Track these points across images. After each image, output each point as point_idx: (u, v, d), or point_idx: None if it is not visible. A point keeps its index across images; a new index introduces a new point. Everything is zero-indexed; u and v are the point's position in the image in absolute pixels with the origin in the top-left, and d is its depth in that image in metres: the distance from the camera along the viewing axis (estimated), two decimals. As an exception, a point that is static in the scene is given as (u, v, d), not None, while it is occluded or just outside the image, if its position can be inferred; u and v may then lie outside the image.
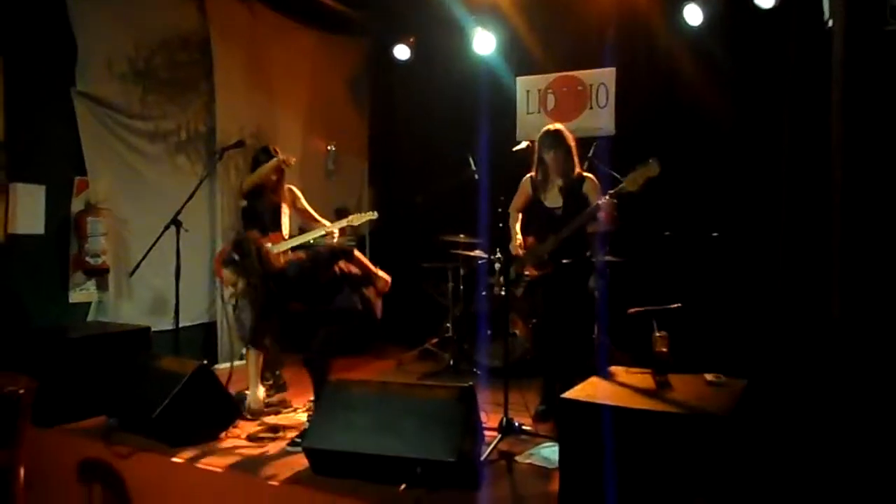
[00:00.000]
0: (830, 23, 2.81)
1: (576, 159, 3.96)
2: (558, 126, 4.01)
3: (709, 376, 2.94)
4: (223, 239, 5.35)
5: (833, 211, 2.34)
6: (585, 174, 3.92)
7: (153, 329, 4.37)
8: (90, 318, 4.73)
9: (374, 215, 4.16)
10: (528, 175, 4.09)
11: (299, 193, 4.50)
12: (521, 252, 4.01)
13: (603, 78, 5.94)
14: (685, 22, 5.26)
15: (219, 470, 3.13)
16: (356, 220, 4.11)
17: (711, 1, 5.13)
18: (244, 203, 4.54)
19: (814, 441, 2.85)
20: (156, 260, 4.22)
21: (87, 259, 4.64)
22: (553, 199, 3.98)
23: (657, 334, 2.94)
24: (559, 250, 3.87)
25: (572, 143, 3.95)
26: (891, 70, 2.38)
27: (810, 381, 3.10)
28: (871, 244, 2.28)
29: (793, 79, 4.81)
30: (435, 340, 5.59)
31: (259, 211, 4.47)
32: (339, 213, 6.44)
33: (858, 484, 2.49)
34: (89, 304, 4.75)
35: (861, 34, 2.47)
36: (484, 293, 5.09)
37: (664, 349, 2.92)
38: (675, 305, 3.36)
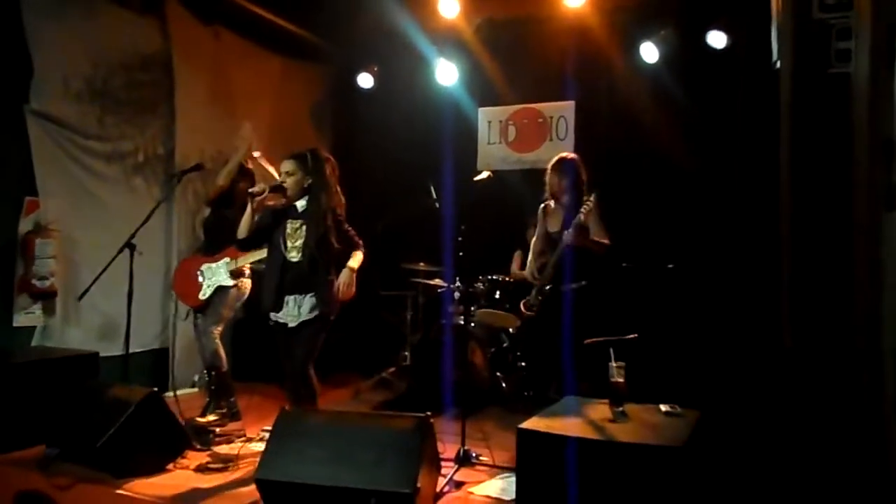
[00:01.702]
0: (778, 64, 2.93)
1: (582, 188, 4.08)
2: (567, 155, 4.22)
3: (664, 407, 2.97)
4: (178, 261, 5.25)
5: (782, 241, 2.41)
6: (588, 200, 3.93)
7: (102, 355, 4.23)
8: (35, 342, 4.55)
9: None
10: (543, 203, 4.29)
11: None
12: (528, 278, 4.30)
13: (563, 111, 6.07)
14: (642, 59, 5.44)
15: (167, 503, 3.01)
16: None
17: (667, 40, 5.32)
18: (207, 212, 4.50)
19: (766, 470, 2.88)
20: (107, 283, 4.10)
21: (34, 282, 4.48)
22: (554, 225, 4.07)
23: (614, 364, 2.96)
24: (555, 276, 4.01)
25: (579, 172, 4.12)
26: (834, 109, 2.49)
27: (763, 411, 3.15)
28: (820, 274, 2.35)
29: (743, 115, 5.00)
30: (392, 369, 5.53)
31: (210, 227, 4.43)
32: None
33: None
34: (34, 328, 4.58)
35: (807, 75, 2.57)
36: (444, 322, 5.08)
37: (621, 379, 2.94)
38: (632, 336, 3.40)
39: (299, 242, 3.47)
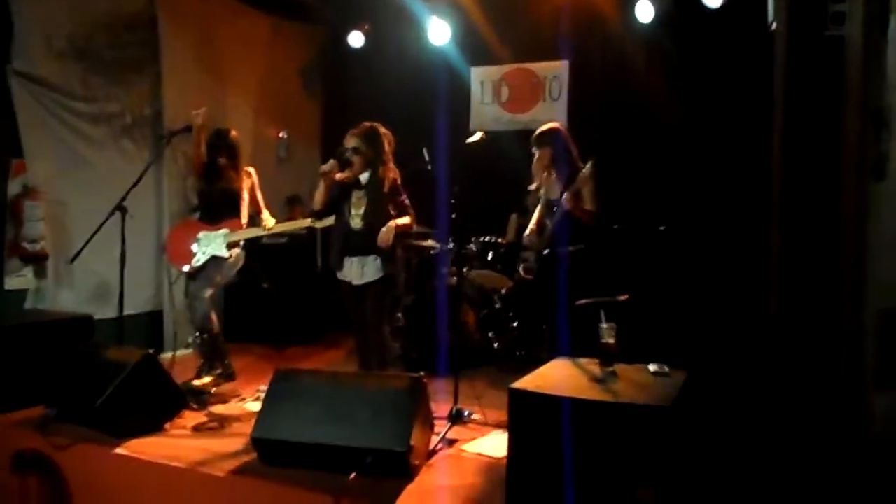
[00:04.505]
0: (774, 25, 2.90)
1: (572, 153, 4.09)
2: (552, 125, 4.20)
3: (653, 367, 3.02)
4: (170, 224, 5.22)
5: (772, 208, 2.43)
6: (582, 167, 3.95)
7: (96, 317, 4.24)
8: (28, 305, 4.57)
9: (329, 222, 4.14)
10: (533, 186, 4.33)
11: (256, 180, 4.44)
12: (526, 243, 4.29)
13: (557, 71, 6.01)
14: (637, 18, 5.37)
15: (164, 461, 3.06)
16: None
17: (662, -1, 5.25)
18: (200, 183, 4.47)
19: (749, 429, 2.96)
20: (98, 246, 4.09)
21: (24, 245, 4.47)
22: (552, 192, 4.12)
23: (605, 326, 3.00)
24: (553, 240, 4.04)
25: (565, 140, 4.11)
26: (829, 72, 2.49)
27: (747, 374, 3.21)
28: (808, 241, 2.38)
29: (737, 77, 4.97)
30: (386, 329, 5.56)
31: (206, 196, 4.39)
32: (291, 201, 6.36)
33: (788, 472, 2.60)
34: (26, 291, 4.58)
35: (802, 38, 2.56)
36: (437, 283, 5.10)
37: (611, 340, 2.98)
38: (623, 298, 3.44)
39: (361, 210, 3.83)
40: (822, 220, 2.28)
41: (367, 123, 3.93)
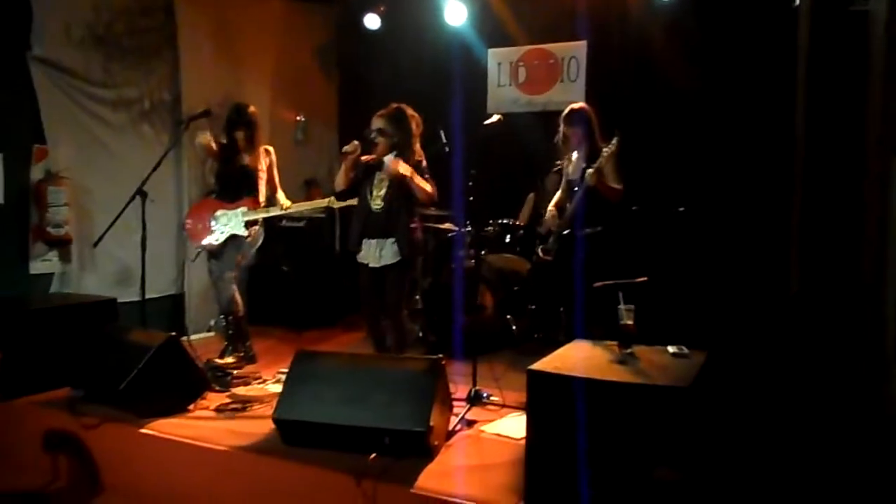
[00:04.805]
0: (797, 2, 2.85)
1: (596, 134, 4.08)
2: (580, 105, 4.21)
3: (671, 348, 3.01)
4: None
5: (794, 188, 2.40)
6: (610, 144, 3.93)
7: (119, 300, 4.30)
8: (53, 289, 4.64)
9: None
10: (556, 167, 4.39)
11: (275, 158, 4.44)
12: (547, 223, 4.29)
13: (574, 51, 5.94)
14: (657, -4, 5.29)
15: (188, 441, 3.13)
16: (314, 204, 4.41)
17: (682, -25, 5.15)
18: (217, 164, 4.50)
19: (769, 410, 2.95)
20: (120, 231, 4.15)
21: (49, 229, 4.54)
22: (573, 172, 4.13)
23: (623, 307, 2.99)
24: (573, 221, 4.05)
25: (591, 120, 4.11)
26: (853, 49, 2.44)
27: (768, 354, 3.19)
28: (830, 221, 2.35)
29: (760, 55, 4.88)
30: (405, 312, 5.59)
31: (223, 174, 4.41)
32: (308, 184, 6.40)
33: (806, 453, 2.59)
34: (52, 275, 4.66)
35: (826, 14, 2.51)
36: (454, 266, 5.11)
37: (630, 322, 2.98)
38: (642, 279, 3.42)
39: (382, 192, 3.81)
40: (843, 197, 2.24)
41: (394, 105, 3.88)
